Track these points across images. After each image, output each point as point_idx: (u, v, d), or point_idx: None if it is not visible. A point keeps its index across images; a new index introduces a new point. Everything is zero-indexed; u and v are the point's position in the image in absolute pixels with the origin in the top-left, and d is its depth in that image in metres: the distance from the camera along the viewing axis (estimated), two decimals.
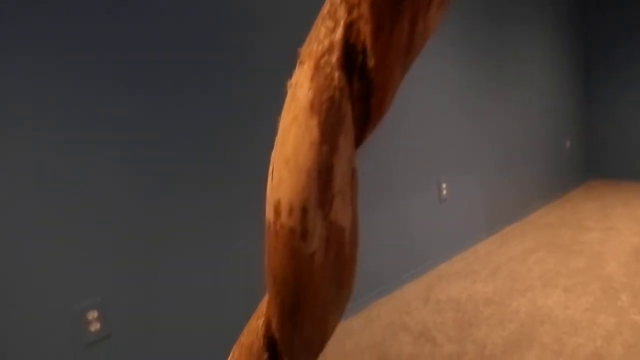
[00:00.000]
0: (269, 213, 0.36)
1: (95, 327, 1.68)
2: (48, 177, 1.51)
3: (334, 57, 0.33)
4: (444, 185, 3.18)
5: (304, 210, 0.33)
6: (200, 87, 1.89)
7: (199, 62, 1.88)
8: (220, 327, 1.95)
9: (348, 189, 0.35)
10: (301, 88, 0.33)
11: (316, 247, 0.34)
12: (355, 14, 0.33)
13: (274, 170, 0.35)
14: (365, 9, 0.32)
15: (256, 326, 0.37)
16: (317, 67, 0.33)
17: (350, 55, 0.34)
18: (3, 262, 1.44)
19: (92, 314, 1.67)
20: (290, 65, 0.39)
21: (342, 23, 0.33)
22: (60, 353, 1.57)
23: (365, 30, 0.33)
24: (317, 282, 0.35)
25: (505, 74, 3.79)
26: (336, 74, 0.33)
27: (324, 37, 0.34)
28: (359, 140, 0.38)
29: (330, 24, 0.33)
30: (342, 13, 0.33)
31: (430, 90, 3.03)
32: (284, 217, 0.34)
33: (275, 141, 0.36)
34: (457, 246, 3.35)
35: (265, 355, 0.35)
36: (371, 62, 0.34)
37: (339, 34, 0.33)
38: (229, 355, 0.42)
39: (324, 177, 0.32)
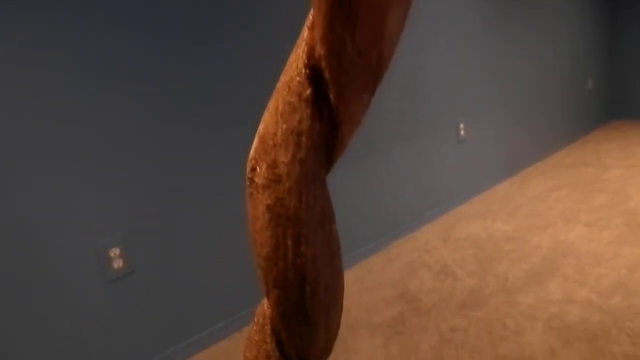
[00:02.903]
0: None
1: (118, 264, 1.71)
2: (69, 118, 1.50)
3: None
4: (461, 126, 3.11)
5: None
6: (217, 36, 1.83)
7: (211, 11, 1.81)
8: (242, 259, 1.97)
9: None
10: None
11: None
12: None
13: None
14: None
15: (295, 58, 0.34)
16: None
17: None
18: (25, 204, 1.45)
19: (115, 251, 1.70)
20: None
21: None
22: (84, 290, 1.61)
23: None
24: None
25: (524, 13, 3.62)
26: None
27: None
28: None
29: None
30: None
31: (448, 32, 2.91)
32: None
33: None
34: (476, 187, 3.31)
35: (309, 90, 0.32)
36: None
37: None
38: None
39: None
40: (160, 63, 1.71)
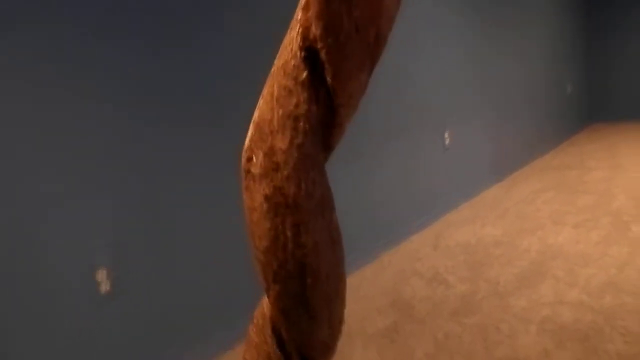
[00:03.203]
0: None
1: (106, 285, 1.67)
2: (57, 133, 1.47)
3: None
4: (447, 133, 3.14)
5: None
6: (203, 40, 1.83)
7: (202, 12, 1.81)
8: (232, 281, 1.94)
9: None
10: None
11: None
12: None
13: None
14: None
15: (289, 40, 0.33)
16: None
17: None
18: (13, 224, 1.41)
19: (102, 274, 1.66)
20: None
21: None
22: (72, 311, 1.56)
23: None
24: None
25: (506, 21, 3.70)
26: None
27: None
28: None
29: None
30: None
31: (432, 40, 2.95)
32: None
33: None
34: (463, 194, 3.33)
35: (304, 73, 0.31)
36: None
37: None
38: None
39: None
40: (142, 74, 1.70)
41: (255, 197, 0.33)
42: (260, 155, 0.32)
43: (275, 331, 0.36)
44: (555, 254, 2.35)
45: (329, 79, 0.32)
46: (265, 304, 0.37)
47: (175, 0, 1.77)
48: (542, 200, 3.14)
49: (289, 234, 0.32)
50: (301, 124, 0.31)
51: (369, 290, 2.30)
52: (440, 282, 2.27)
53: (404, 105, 2.80)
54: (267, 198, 0.32)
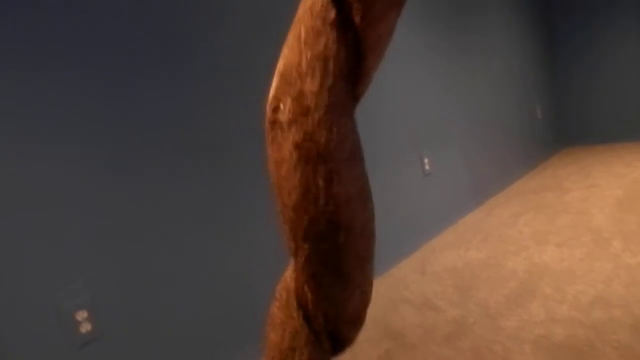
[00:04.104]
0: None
1: (86, 327, 1.59)
2: (35, 174, 1.43)
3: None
4: (426, 160, 3.18)
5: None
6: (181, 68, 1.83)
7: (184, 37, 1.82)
8: (217, 323, 1.88)
9: None
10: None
11: None
12: None
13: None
14: None
15: None
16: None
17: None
18: None
19: (82, 314, 1.59)
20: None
21: None
22: (51, 357, 1.48)
23: None
24: None
25: (476, 48, 3.85)
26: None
27: None
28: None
29: None
30: None
31: (406, 67, 3.03)
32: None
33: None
34: (446, 219, 3.35)
35: (333, 13, 0.30)
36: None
37: None
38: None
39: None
40: (125, 118, 1.68)
41: (283, 148, 0.31)
42: (289, 101, 0.31)
43: (302, 305, 0.33)
44: (541, 272, 2.35)
45: (357, 20, 0.31)
46: (289, 277, 0.35)
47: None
48: (523, 222, 3.17)
49: (321, 183, 0.30)
50: (331, 64, 0.30)
51: None
52: (431, 307, 2.24)
53: (381, 134, 2.84)
54: (297, 146, 0.31)
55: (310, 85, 0.30)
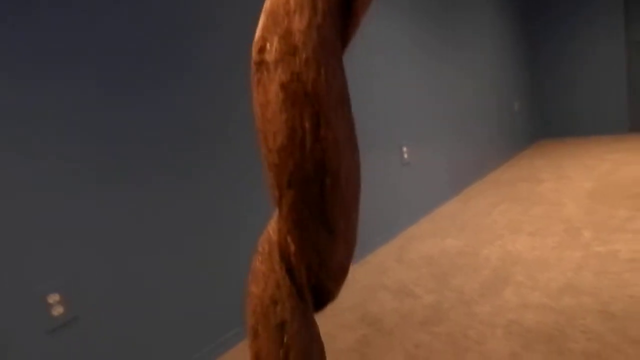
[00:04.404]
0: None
1: (58, 310, 1.56)
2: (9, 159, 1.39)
3: None
4: (405, 149, 3.20)
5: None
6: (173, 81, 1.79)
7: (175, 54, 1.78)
8: (192, 306, 1.87)
9: None
10: None
11: None
12: None
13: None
14: None
15: None
16: None
17: None
18: None
19: (54, 297, 1.55)
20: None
21: None
22: (21, 341, 1.45)
23: None
24: None
25: (457, 41, 3.88)
26: None
27: None
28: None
29: None
30: None
31: (389, 58, 3.04)
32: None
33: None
34: (423, 208, 3.38)
35: None
36: None
37: None
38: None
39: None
40: (109, 123, 1.64)
41: (269, 89, 0.30)
42: (275, 40, 0.30)
43: (284, 258, 0.33)
44: (515, 260, 2.40)
45: None
46: (272, 229, 0.34)
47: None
48: (498, 212, 3.23)
49: (307, 125, 0.29)
50: (320, 3, 0.30)
51: (336, 307, 2.26)
52: (407, 294, 2.27)
53: (362, 123, 2.84)
54: (283, 86, 0.30)
55: (298, 24, 0.29)
